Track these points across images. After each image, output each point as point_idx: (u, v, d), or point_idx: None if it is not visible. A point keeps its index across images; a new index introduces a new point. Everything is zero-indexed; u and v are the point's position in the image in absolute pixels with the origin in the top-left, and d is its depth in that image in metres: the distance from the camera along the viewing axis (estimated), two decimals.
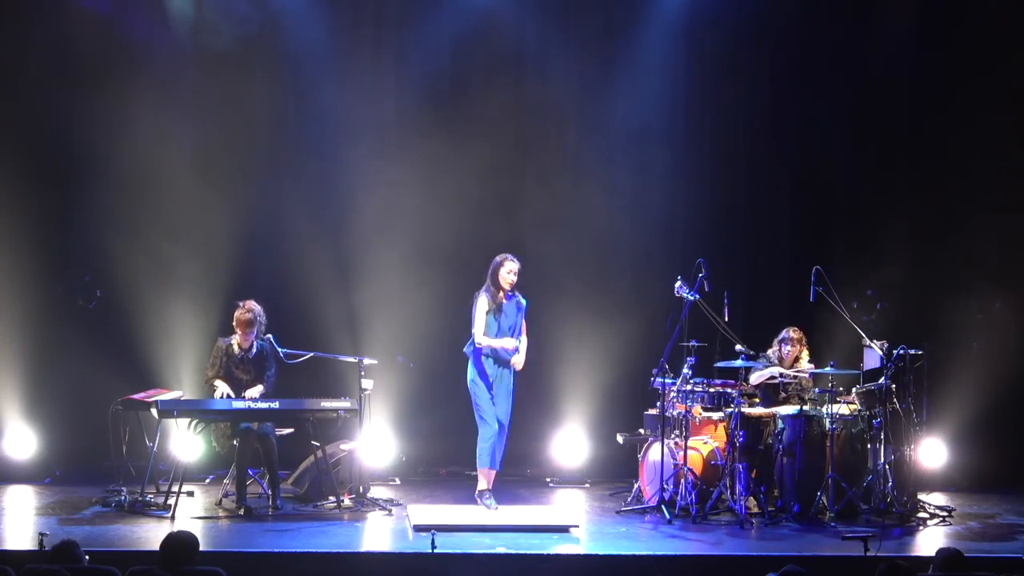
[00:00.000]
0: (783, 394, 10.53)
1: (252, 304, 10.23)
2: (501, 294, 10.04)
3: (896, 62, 12.51)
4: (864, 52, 12.51)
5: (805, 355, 10.61)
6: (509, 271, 10.05)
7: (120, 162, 11.82)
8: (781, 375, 10.46)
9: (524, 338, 10.18)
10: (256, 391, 10.09)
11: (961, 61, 12.42)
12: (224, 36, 11.72)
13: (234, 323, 10.19)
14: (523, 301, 10.19)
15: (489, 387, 9.99)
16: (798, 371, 10.49)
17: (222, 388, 10.07)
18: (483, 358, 10.00)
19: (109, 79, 11.70)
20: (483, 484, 10.04)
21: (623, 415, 11.67)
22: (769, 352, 10.63)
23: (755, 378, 10.43)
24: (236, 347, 10.20)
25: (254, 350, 10.23)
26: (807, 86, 12.55)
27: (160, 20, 11.82)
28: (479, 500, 10.01)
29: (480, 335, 9.97)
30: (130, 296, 11.78)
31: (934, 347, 11.13)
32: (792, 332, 10.59)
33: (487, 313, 10.00)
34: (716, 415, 10.46)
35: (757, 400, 10.56)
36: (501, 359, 10.03)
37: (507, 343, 10.01)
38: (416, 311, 11.93)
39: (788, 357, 10.55)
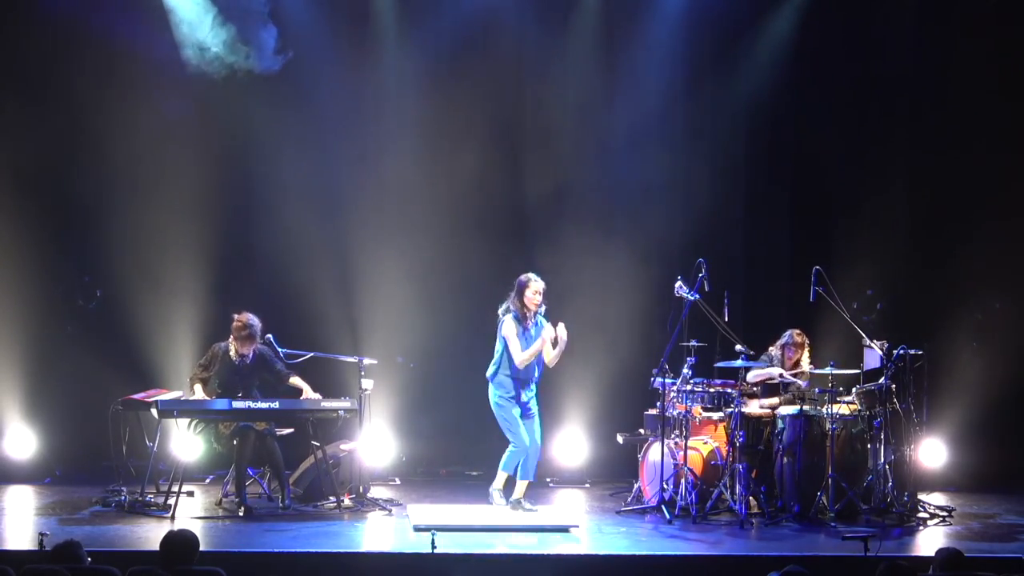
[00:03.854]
0: (784, 395, 10.53)
1: (248, 318, 10.13)
2: (527, 315, 9.97)
3: (897, 61, 12.52)
4: (865, 51, 12.51)
5: (806, 357, 10.61)
6: (535, 292, 9.91)
7: (120, 163, 11.83)
8: (781, 376, 10.46)
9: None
10: (308, 391, 10.09)
11: (963, 60, 12.43)
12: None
13: (232, 336, 10.17)
14: (544, 320, 10.06)
15: (515, 407, 9.90)
16: (798, 372, 10.48)
17: (199, 394, 10.07)
18: (507, 381, 9.89)
19: (110, 81, 11.74)
20: (497, 483, 10.01)
21: (623, 415, 11.67)
22: (771, 350, 10.61)
23: (752, 376, 10.42)
24: (233, 353, 10.19)
25: (251, 357, 10.21)
26: (807, 85, 12.55)
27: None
28: (490, 496, 10.00)
29: (519, 356, 9.83)
30: (130, 296, 11.79)
31: (934, 347, 11.13)
32: (796, 336, 10.56)
33: (515, 335, 9.89)
34: (716, 415, 10.46)
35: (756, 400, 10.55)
36: (525, 382, 9.95)
37: (538, 343, 9.86)
38: (416, 311, 11.94)
39: (790, 360, 10.54)
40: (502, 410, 9.90)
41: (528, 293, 9.92)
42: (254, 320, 10.15)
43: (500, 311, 10.01)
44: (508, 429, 9.92)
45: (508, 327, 9.91)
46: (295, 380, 10.21)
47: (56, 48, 11.78)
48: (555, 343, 9.88)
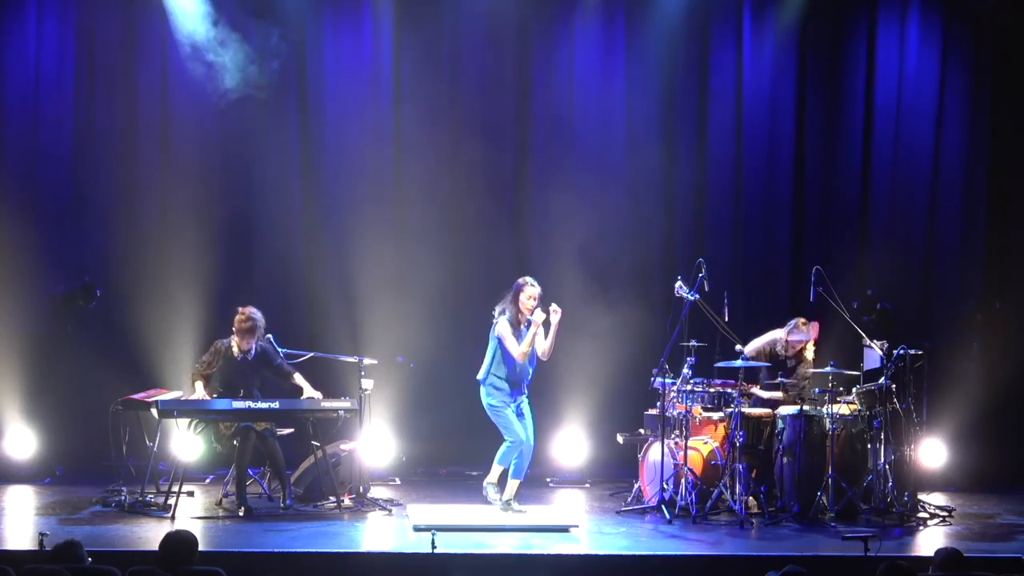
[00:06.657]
0: (783, 394, 10.52)
1: (251, 311, 10.13)
2: (521, 318, 9.93)
3: (897, 60, 12.52)
4: (866, 49, 12.51)
5: (811, 349, 10.60)
6: (530, 296, 9.86)
7: (121, 163, 11.85)
8: (785, 348, 10.41)
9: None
10: (308, 390, 10.08)
11: (965, 62, 12.44)
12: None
13: (234, 329, 10.16)
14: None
15: (510, 407, 9.85)
16: (798, 355, 10.47)
17: (200, 392, 10.07)
18: (500, 383, 9.86)
19: (110, 81, 11.75)
20: (492, 477, 10.05)
21: (623, 415, 11.66)
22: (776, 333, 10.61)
23: (751, 348, 10.40)
24: (235, 349, 10.19)
25: (253, 352, 10.20)
26: (808, 84, 12.55)
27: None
28: (484, 489, 10.05)
29: (516, 350, 9.79)
30: (130, 296, 11.80)
31: (934, 347, 11.13)
32: (802, 326, 10.54)
33: (510, 334, 9.87)
34: (716, 415, 10.47)
35: (757, 387, 10.52)
36: (517, 384, 9.94)
37: (532, 330, 9.74)
38: (416, 311, 11.93)
39: (794, 349, 10.52)
40: (496, 412, 9.89)
41: (523, 297, 9.88)
42: (257, 314, 10.14)
43: (495, 311, 10.01)
44: (503, 427, 9.92)
45: (502, 327, 9.89)
46: (297, 378, 10.21)
47: (59, 50, 11.80)
48: (547, 325, 9.83)
